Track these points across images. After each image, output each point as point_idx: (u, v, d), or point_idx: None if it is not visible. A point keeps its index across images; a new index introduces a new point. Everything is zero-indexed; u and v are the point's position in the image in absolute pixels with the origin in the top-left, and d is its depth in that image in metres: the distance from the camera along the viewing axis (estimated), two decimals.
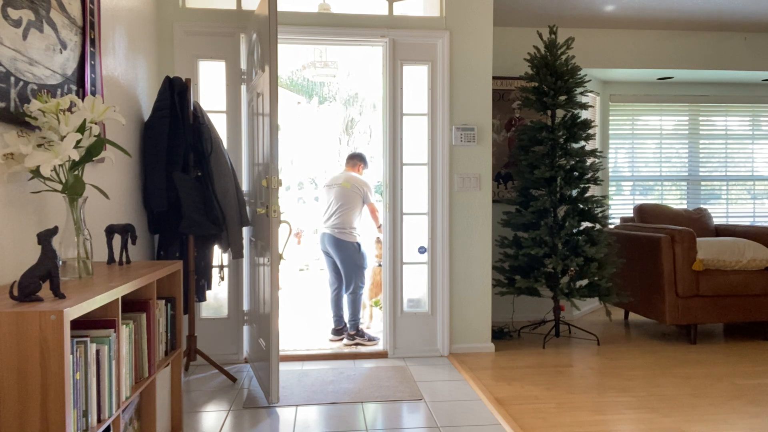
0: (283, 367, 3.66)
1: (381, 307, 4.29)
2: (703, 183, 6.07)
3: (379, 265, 4.72)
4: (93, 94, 2.47)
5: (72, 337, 1.55)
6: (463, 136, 3.93)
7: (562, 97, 4.30)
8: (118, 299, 1.73)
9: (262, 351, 3.24)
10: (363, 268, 4.39)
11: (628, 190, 5.96)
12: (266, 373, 3.08)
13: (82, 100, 2.29)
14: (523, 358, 3.87)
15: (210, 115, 3.50)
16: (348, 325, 4.29)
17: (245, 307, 3.81)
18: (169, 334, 2.41)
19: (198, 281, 3.49)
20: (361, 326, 4.30)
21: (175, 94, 3.25)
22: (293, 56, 6.86)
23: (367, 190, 4.40)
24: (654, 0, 4.53)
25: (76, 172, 1.87)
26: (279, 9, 3.84)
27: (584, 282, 4.74)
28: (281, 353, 3.84)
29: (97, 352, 1.62)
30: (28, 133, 1.89)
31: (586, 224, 4.64)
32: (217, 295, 3.89)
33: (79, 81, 2.36)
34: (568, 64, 4.21)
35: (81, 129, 1.84)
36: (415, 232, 4.01)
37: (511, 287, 4.25)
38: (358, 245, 4.36)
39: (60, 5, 2.21)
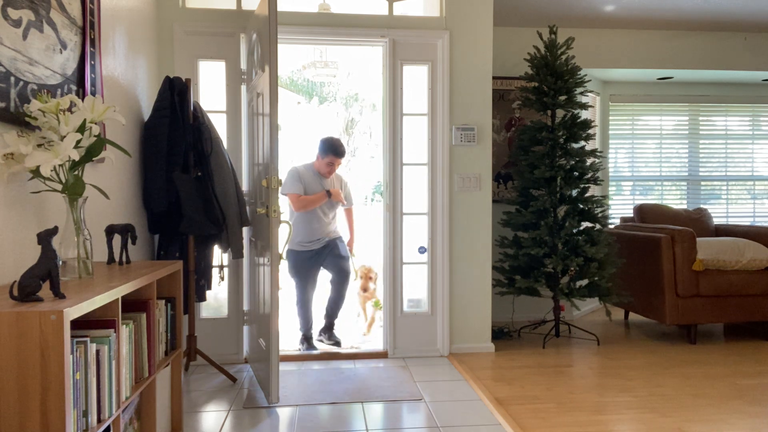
0: (283, 367, 3.66)
1: (381, 308, 4.29)
2: (703, 183, 6.07)
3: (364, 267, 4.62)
4: (93, 94, 2.47)
5: (72, 337, 1.55)
6: (463, 136, 3.93)
7: (562, 97, 4.29)
8: (118, 299, 1.73)
9: (262, 351, 3.24)
10: (293, 276, 4.19)
11: (628, 190, 5.97)
12: (266, 373, 3.08)
13: (82, 100, 2.29)
14: (523, 358, 3.87)
15: (210, 115, 3.50)
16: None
17: (245, 307, 3.81)
18: (169, 334, 2.41)
19: (198, 281, 3.49)
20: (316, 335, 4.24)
21: (175, 94, 3.25)
22: (293, 56, 6.86)
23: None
24: (654, 0, 4.53)
25: (76, 172, 1.87)
26: (279, 9, 3.83)
27: (584, 282, 4.74)
28: (281, 353, 3.83)
29: (97, 352, 1.62)
30: (28, 133, 1.89)
31: (586, 224, 4.64)
32: (217, 295, 3.89)
33: (79, 81, 2.36)
34: (568, 64, 4.21)
35: (81, 129, 1.84)
36: (415, 232, 4.01)
37: (511, 287, 4.25)
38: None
39: (60, 5, 2.21)
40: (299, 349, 4.05)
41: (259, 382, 3.34)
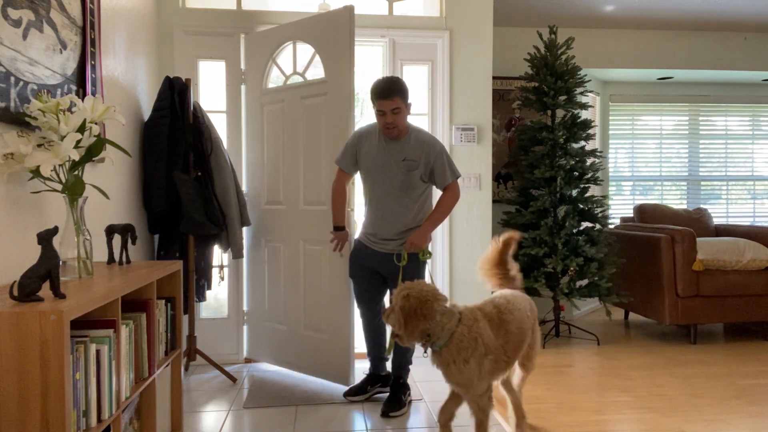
0: (284, 368, 3.66)
1: None
2: (703, 183, 6.07)
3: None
4: (93, 94, 2.47)
5: (72, 337, 1.55)
6: (463, 136, 3.93)
7: (562, 97, 4.29)
8: (118, 299, 1.73)
9: (312, 342, 3.30)
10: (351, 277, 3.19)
11: (628, 190, 5.96)
12: (338, 358, 3.19)
13: (82, 100, 2.29)
14: None
15: (210, 115, 3.50)
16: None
17: (245, 307, 3.81)
18: (169, 334, 2.41)
19: (198, 281, 3.49)
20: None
21: (175, 94, 3.25)
22: None
23: None
24: (654, 0, 4.53)
25: (76, 172, 1.87)
26: (278, 9, 3.84)
27: (584, 282, 4.74)
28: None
29: (97, 352, 1.62)
30: (28, 133, 1.89)
31: (586, 224, 4.64)
32: (217, 295, 3.89)
33: (79, 81, 2.36)
34: (568, 64, 4.21)
35: (81, 129, 1.84)
36: None
37: None
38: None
39: (60, 5, 2.20)
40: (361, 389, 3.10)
41: (315, 375, 3.34)
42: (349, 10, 3.17)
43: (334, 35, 3.26)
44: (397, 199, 2.91)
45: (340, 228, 3.08)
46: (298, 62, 3.52)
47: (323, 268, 3.38)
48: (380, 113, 2.83)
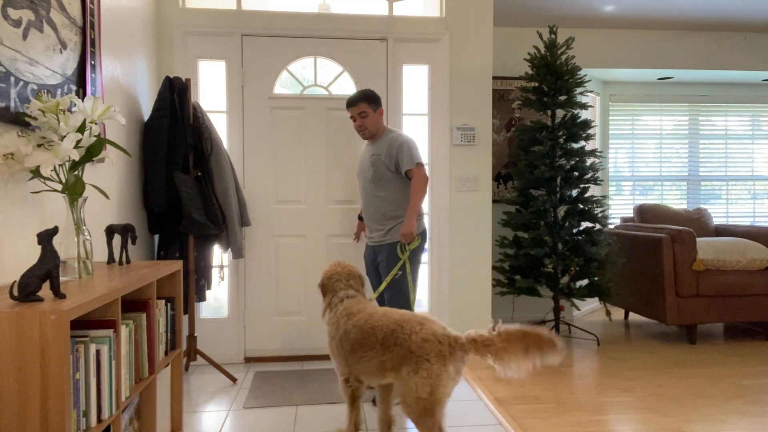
0: (283, 368, 3.66)
1: None
2: (703, 183, 6.07)
3: None
4: (93, 94, 2.47)
5: (72, 337, 1.55)
6: (463, 136, 3.93)
7: (562, 97, 4.29)
8: (118, 299, 1.73)
9: None
10: None
11: (628, 190, 5.96)
12: None
13: (83, 100, 2.29)
14: None
15: (210, 115, 3.50)
16: None
17: (246, 306, 3.81)
18: (169, 334, 2.41)
19: (198, 281, 3.49)
20: None
21: (175, 94, 3.25)
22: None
23: None
24: (654, 0, 4.53)
25: (76, 172, 1.87)
26: (278, 9, 3.84)
27: (584, 282, 4.74)
28: (282, 354, 3.83)
29: (97, 352, 1.62)
30: (28, 133, 1.89)
31: (586, 224, 4.64)
32: (217, 295, 3.89)
33: (80, 81, 2.36)
34: (568, 64, 4.21)
35: (81, 129, 1.84)
36: None
37: (511, 287, 4.25)
38: None
39: (60, 5, 2.20)
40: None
41: None
42: (385, 43, 3.85)
43: (370, 61, 3.84)
44: (370, 191, 3.25)
45: (360, 218, 3.58)
46: (319, 75, 3.87)
47: (350, 258, 3.85)
48: (352, 119, 3.24)
